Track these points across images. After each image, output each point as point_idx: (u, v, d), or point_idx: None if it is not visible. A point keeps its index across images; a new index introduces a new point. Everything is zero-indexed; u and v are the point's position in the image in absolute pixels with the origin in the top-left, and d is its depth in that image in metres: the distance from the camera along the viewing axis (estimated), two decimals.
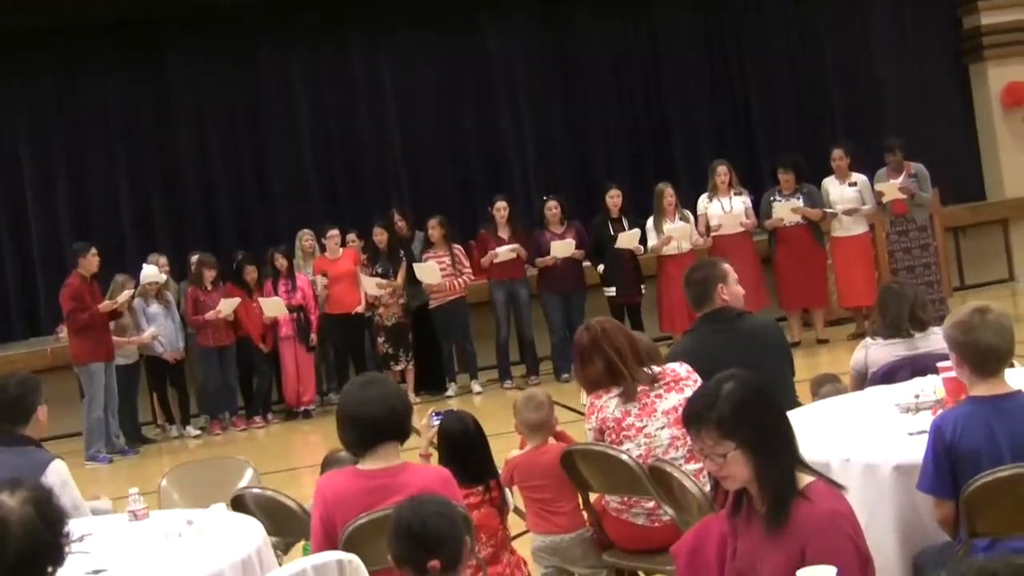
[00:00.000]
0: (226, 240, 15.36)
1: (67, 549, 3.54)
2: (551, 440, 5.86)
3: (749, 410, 3.62)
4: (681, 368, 5.57)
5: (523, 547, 6.00)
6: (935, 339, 6.11)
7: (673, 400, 5.43)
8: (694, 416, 3.71)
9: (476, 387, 13.80)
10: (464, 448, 5.66)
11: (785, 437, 3.68)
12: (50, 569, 3.46)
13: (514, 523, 5.99)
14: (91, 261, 12.76)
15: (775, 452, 3.61)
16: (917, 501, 4.64)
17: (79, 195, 15.48)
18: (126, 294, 12.85)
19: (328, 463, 6.07)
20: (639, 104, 16.75)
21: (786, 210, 13.51)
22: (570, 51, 16.56)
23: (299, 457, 11.93)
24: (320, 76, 16.10)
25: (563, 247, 13.52)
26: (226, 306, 13.28)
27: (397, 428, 4.76)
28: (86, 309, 12.53)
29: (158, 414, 13.88)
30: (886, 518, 4.66)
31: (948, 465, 4.40)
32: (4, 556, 3.34)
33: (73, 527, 3.74)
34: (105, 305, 12.64)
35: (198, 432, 13.52)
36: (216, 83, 15.86)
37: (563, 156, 16.46)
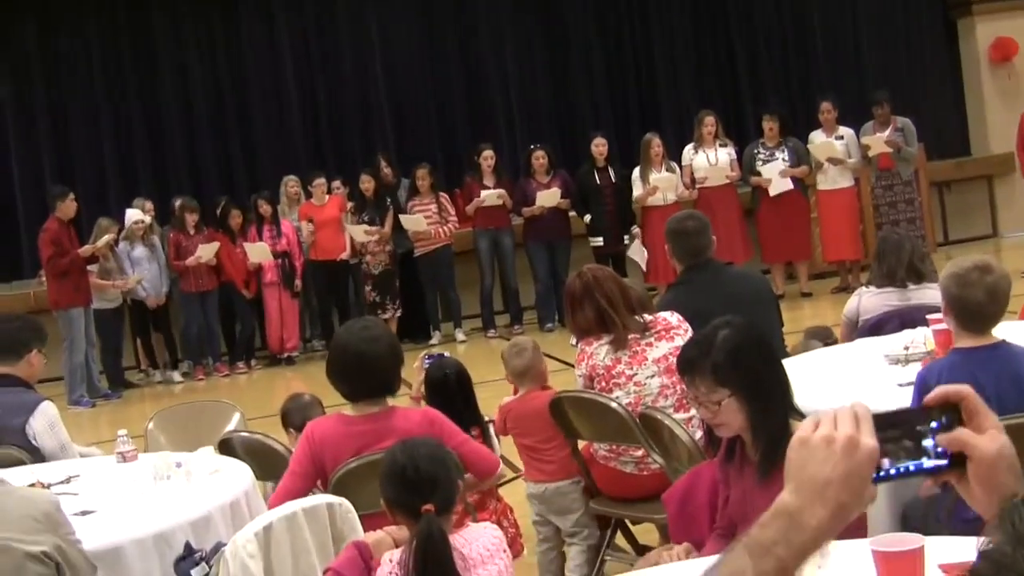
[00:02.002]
0: (210, 186, 15.27)
1: None
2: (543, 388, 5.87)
3: (745, 357, 3.61)
4: (672, 317, 5.55)
5: (511, 494, 6.02)
6: (929, 293, 6.10)
7: (664, 348, 5.42)
8: (688, 362, 3.70)
9: (460, 336, 13.82)
10: (445, 395, 5.67)
11: (780, 385, 3.67)
12: None
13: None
14: (68, 206, 12.69)
15: (770, 400, 3.60)
16: None
17: (61, 140, 15.37)
18: (106, 238, 12.79)
19: (295, 410, 6.03)
20: (625, 54, 16.68)
21: (774, 173, 13.45)
22: (555, 0, 16.47)
23: (281, 403, 11.89)
24: (304, 22, 15.99)
25: (549, 196, 13.49)
26: (205, 251, 13.24)
27: (388, 385, 4.79)
28: (65, 254, 12.48)
29: (141, 359, 13.86)
30: None
31: None
32: None
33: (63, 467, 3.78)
34: (85, 249, 12.60)
35: (180, 377, 13.52)
36: (199, 29, 15.74)
37: (548, 105, 16.40)
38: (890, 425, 1.63)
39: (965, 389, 1.65)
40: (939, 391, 1.65)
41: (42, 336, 6.06)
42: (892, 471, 1.62)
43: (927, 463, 1.64)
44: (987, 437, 1.66)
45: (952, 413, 1.66)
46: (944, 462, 1.64)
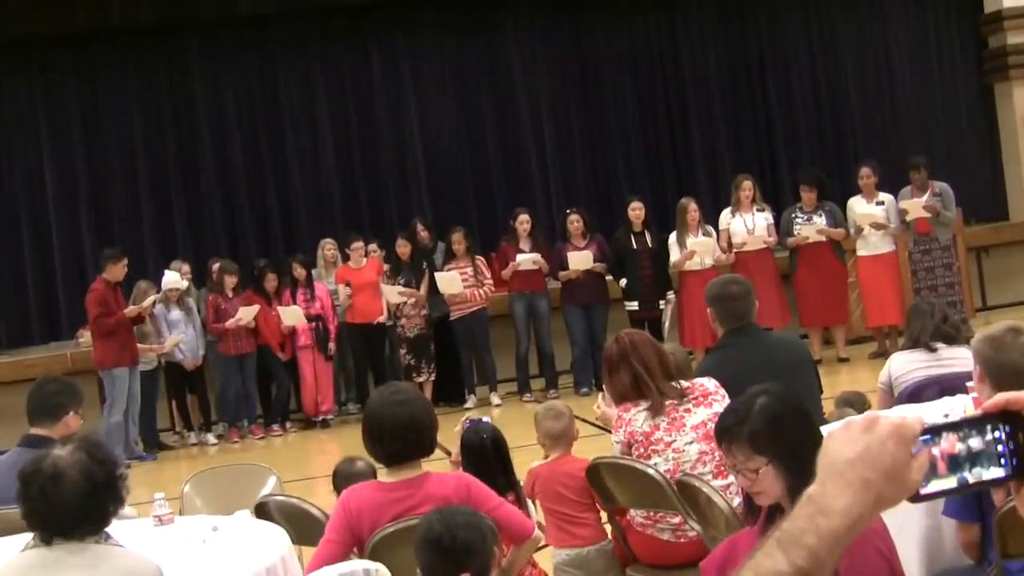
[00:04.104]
0: (247, 249, 15.37)
1: (123, 490, 3.89)
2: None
3: (783, 425, 3.59)
4: (709, 383, 5.54)
5: (543, 561, 5.98)
6: (963, 358, 6.07)
7: (702, 415, 5.41)
8: (726, 430, 3.68)
9: (495, 399, 13.78)
10: (480, 460, 5.63)
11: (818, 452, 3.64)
12: (111, 508, 3.84)
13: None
14: (119, 269, 12.79)
15: (808, 468, 3.54)
16: (941, 523, 4.62)
17: (101, 201, 15.49)
18: (151, 299, 12.85)
19: (343, 475, 5.97)
20: (661, 118, 16.72)
21: (811, 230, 13.47)
22: (591, 64, 16.55)
23: (316, 466, 11.90)
24: (342, 86, 16.12)
25: (580, 259, 13.49)
26: (245, 314, 13.27)
27: (422, 447, 4.79)
28: (111, 314, 12.55)
29: (176, 420, 13.88)
30: (911, 539, 4.64)
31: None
32: (65, 498, 3.72)
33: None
34: (131, 310, 12.65)
35: (215, 439, 13.52)
36: (238, 92, 15.87)
37: (585, 169, 16.44)
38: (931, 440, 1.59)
39: None
40: (999, 398, 1.60)
41: (78, 397, 6.09)
42: (956, 483, 1.58)
43: (991, 474, 1.59)
44: None
45: (1015, 421, 1.61)
46: (1009, 472, 1.59)
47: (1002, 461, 1.59)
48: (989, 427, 1.60)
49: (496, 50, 16.46)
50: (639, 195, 14.17)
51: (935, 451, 1.58)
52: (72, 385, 6.26)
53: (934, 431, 1.58)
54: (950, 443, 1.59)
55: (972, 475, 1.59)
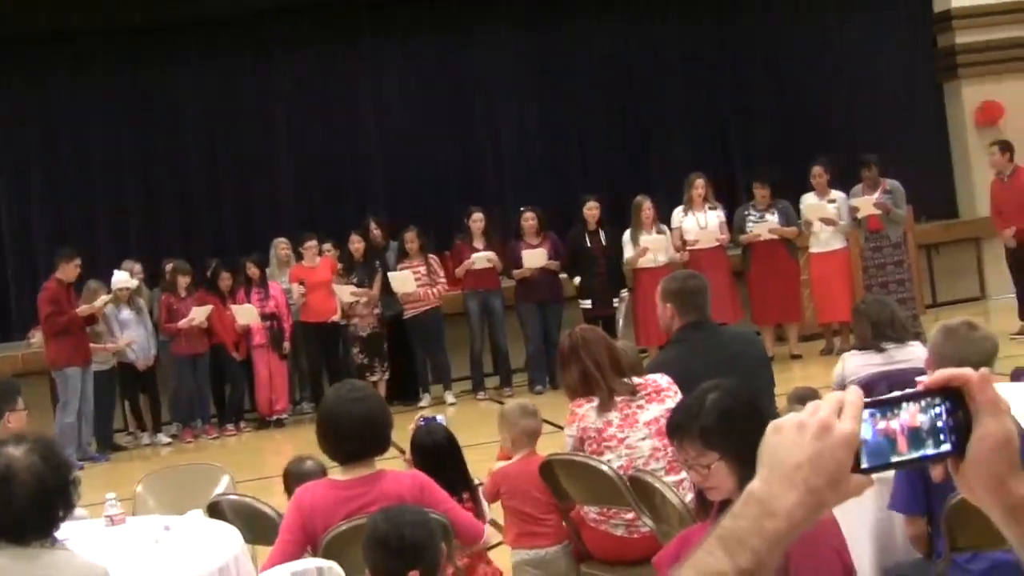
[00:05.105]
0: (201, 248, 15.27)
1: (75, 495, 3.77)
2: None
3: (734, 420, 3.59)
4: (662, 379, 5.56)
5: (498, 558, 5.98)
6: (916, 354, 6.13)
7: (655, 411, 5.42)
8: (677, 427, 3.69)
9: (449, 398, 13.77)
10: (434, 460, 5.61)
11: None
12: (61, 513, 3.71)
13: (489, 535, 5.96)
14: (71, 269, 12.71)
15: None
16: (893, 516, 4.65)
17: (54, 201, 15.40)
18: (104, 298, 12.78)
19: (293, 475, 5.93)
20: (616, 116, 16.77)
21: (763, 229, 13.54)
22: (548, 63, 16.58)
23: (271, 466, 11.78)
24: (298, 86, 16.09)
25: (534, 257, 13.52)
26: (199, 314, 13.22)
27: (378, 445, 4.78)
28: (64, 313, 12.48)
29: (129, 421, 13.80)
30: (863, 532, 4.66)
31: (920, 482, 4.39)
32: (15, 500, 3.61)
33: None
34: (83, 309, 12.59)
35: (169, 440, 13.46)
36: (193, 92, 15.82)
37: (540, 168, 16.46)
38: (888, 412, 1.59)
39: (969, 372, 1.61)
40: (941, 373, 1.60)
41: (12, 395, 6.01)
42: (903, 458, 1.57)
43: (931, 450, 1.59)
44: (998, 419, 1.61)
45: (955, 397, 1.62)
46: (949, 448, 1.59)
47: (942, 437, 1.59)
48: (928, 403, 1.59)
49: (453, 49, 16.47)
50: (595, 194, 14.18)
51: (895, 424, 1.58)
52: (2, 385, 6.18)
53: (876, 404, 1.58)
54: (911, 415, 1.59)
55: (917, 452, 1.59)
